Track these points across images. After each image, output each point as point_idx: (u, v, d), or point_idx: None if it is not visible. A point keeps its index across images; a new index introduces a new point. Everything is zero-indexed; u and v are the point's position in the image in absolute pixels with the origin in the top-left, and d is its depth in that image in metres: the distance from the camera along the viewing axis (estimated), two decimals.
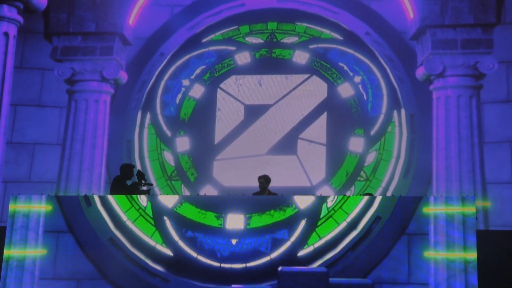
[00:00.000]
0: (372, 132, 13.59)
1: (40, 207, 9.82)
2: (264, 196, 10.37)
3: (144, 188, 10.53)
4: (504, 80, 12.73)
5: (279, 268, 9.12)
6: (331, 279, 9.03)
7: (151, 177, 13.58)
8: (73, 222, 9.76)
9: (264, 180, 10.90)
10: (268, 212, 9.70)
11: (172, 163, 13.96)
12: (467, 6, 13.01)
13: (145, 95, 14.17)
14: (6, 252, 9.68)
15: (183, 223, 9.74)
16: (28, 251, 9.67)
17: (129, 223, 9.80)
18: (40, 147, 13.44)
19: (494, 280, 9.37)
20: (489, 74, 12.81)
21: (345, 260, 9.44)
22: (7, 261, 9.66)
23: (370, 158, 13.52)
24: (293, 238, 9.54)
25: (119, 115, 13.96)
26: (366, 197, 9.69)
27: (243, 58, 14.26)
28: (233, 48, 14.34)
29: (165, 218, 9.79)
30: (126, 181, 10.69)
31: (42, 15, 13.71)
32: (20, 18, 12.99)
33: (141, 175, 10.64)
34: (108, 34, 13.79)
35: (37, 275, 9.61)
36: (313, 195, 10.40)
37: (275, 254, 9.49)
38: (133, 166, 11.07)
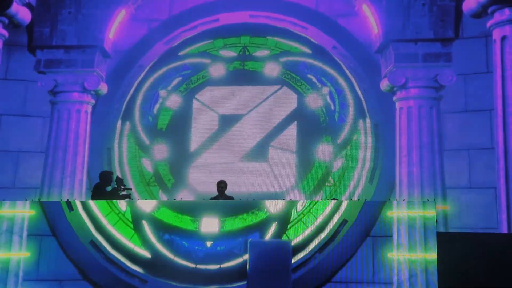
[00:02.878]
0: (339, 140, 13.66)
1: (24, 212, 9.77)
2: (237, 201, 10.40)
3: (124, 192, 10.52)
4: (462, 92, 12.86)
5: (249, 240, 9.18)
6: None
7: (131, 183, 13.54)
8: (55, 226, 9.72)
9: (224, 185, 10.96)
10: (241, 216, 9.72)
11: (150, 170, 13.95)
12: (427, 22, 13.11)
13: (124, 105, 14.16)
14: None
15: (160, 227, 9.73)
16: (12, 254, 9.62)
17: (109, 227, 9.77)
18: (24, 155, 13.37)
19: (453, 279, 9.44)
20: (448, 85, 12.92)
21: (314, 261, 9.47)
22: None
23: (337, 164, 13.59)
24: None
25: (99, 124, 13.93)
26: (333, 202, 9.74)
27: (217, 70, 14.29)
28: (208, 61, 14.37)
29: (144, 222, 9.77)
30: (106, 187, 10.68)
31: (26, 30, 13.66)
32: (5, 32, 13.01)
33: (120, 181, 10.64)
34: (89, 47, 13.74)
35: (21, 277, 9.56)
36: (283, 199, 10.43)
37: (247, 256, 9.50)
38: (112, 173, 11.04)
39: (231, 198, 10.82)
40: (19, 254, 9.64)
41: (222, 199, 10.77)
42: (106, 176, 10.87)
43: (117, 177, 10.83)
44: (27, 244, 9.67)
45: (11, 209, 9.81)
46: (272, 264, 9.01)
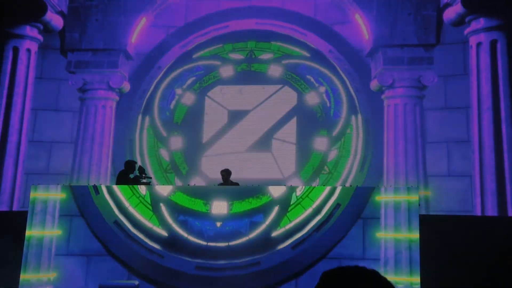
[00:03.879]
0: (334, 133, 13.64)
1: (56, 195, 9.81)
2: (244, 186, 10.42)
3: (144, 180, 10.54)
4: (442, 91, 12.86)
5: None
6: None
7: (150, 170, 13.54)
8: (84, 207, 9.76)
9: (226, 173, 10.91)
10: (247, 200, 9.73)
11: (167, 159, 13.95)
12: (412, 29, 13.12)
13: (144, 101, 14.15)
14: (28, 233, 9.67)
15: (176, 209, 9.76)
16: (46, 232, 9.66)
17: (131, 209, 9.80)
18: (56, 145, 13.40)
19: (433, 256, 9.47)
20: (430, 86, 12.92)
21: (311, 240, 9.48)
22: (28, 240, 9.65)
23: (332, 155, 13.57)
24: (268, 221, 9.57)
25: (123, 118, 13.94)
26: (328, 188, 9.75)
27: (227, 71, 14.28)
28: (218, 63, 14.35)
29: (161, 204, 9.80)
30: (129, 174, 10.71)
31: (58, 34, 13.71)
32: (40, 37, 13.10)
33: (142, 170, 10.66)
34: (114, 50, 13.79)
35: (53, 252, 9.61)
36: (284, 185, 10.43)
37: (252, 235, 9.53)
38: (135, 162, 11.07)
39: (236, 184, 10.81)
40: (52, 232, 9.67)
41: (227, 185, 10.77)
42: (130, 165, 10.89)
43: (140, 166, 10.85)
44: (59, 223, 9.71)
45: (45, 192, 9.85)
46: None
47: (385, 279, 2.63)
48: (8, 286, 9.69)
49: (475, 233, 10.05)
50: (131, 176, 10.71)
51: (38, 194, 9.84)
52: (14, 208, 12.53)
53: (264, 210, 9.68)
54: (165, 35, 14.32)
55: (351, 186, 11.02)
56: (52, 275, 9.59)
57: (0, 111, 12.98)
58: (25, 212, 9.96)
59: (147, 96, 14.16)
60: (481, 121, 12.01)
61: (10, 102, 13.09)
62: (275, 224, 9.59)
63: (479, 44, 12.21)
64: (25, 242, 9.65)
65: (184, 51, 14.34)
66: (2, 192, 12.68)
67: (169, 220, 9.75)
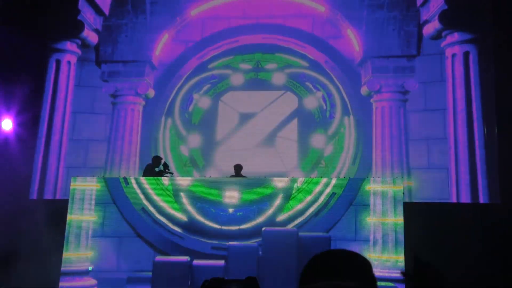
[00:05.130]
0: (330, 132, 13.63)
1: (93, 185, 9.88)
2: (252, 178, 10.45)
3: (167, 175, 10.59)
4: (422, 95, 12.84)
5: (263, 228, 9.24)
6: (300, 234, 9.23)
7: (172, 164, 13.54)
8: (115, 196, 9.83)
9: (239, 167, 11.00)
10: (255, 189, 9.78)
11: (187, 154, 13.96)
12: (396, 42, 13.12)
13: (167, 105, 14.16)
14: (69, 218, 9.75)
15: (194, 197, 9.81)
16: (84, 217, 9.73)
17: (155, 197, 9.85)
18: (92, 143, 13.43)
19: (415, 237, 9.48)
20: (412, 91, 12.90)
21: (310, 224, 9.51)
22: (69, 224, 9.73)
23: (328, 150, 13.57)
24: (273, 208, 9.61)
25: (148, 120, 13.96)
26: (325, 179, 9.77)
27: (237, 79, 14.27)
28: (230, 72, 14.35)
29: (181, 193, 9.84)
30: (155, 168, 10.76)
31: (94, 49, 13.75)
32: (78, 51, 13.18)
33: (166, 166, 10.75)
34: (141, 62, 13.82)
35: (90, 234, 9.67)
36: (287, 177, 10.44)
37: (260, 219, 9.58)
38: (162, 158, 11.14)
39: (244, 177, 10.86)
40: (89, 217, 9.74)
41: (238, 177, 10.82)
42: (157, 160, 10.99)
43: (164, 162, 10.93)
44: (95, 210, 9.77)
45: (83, 183, 9.92)
46: (281, 249, 9.13)
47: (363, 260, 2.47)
48: (53, 262, 9.78)
49: (451, 217, 10.07)
50: (156, 169, 10.77)
51: (77, 184, 9.91)
52: (57, 197, 12.59)
53: (269, 198, 9.72)
54: (184, 48, 14.33)
55: (344, 177, 11.02)
56: (89, 253, 9.66)
57: (45, 114, 13.15)
58: (66, 200, 10.04)
59: (169, 101, 14.18)
60: (456, 121, 12.06)
61: (54, 107, 13.24)
62: (279, 210, 9.62)
63: (454, 55, 12.23)
64: (67, 226, 9.74)
65: (200, 62, 14.35)
66: (47, 183, 12.77)
67: (188, 207, 9.80)
